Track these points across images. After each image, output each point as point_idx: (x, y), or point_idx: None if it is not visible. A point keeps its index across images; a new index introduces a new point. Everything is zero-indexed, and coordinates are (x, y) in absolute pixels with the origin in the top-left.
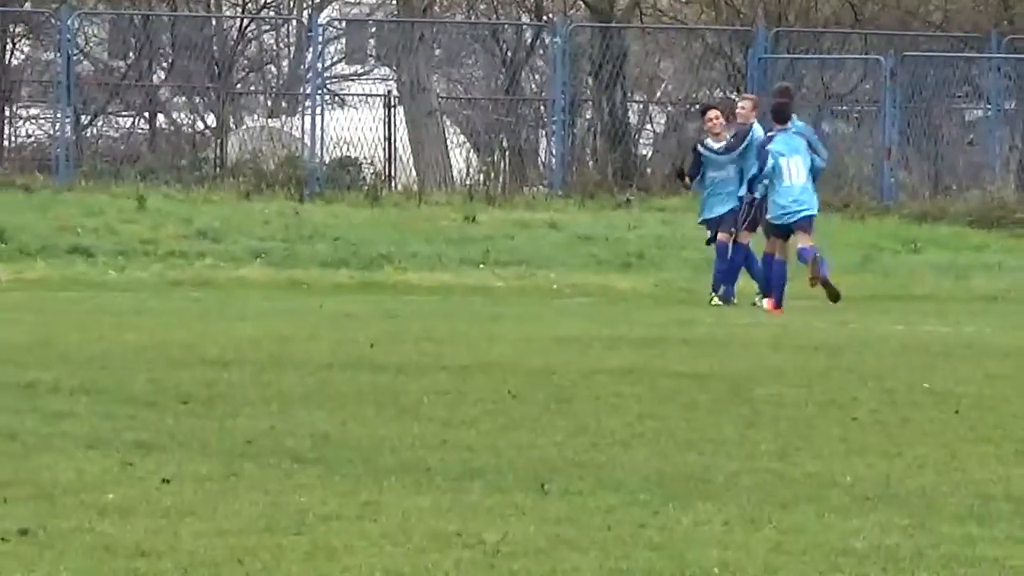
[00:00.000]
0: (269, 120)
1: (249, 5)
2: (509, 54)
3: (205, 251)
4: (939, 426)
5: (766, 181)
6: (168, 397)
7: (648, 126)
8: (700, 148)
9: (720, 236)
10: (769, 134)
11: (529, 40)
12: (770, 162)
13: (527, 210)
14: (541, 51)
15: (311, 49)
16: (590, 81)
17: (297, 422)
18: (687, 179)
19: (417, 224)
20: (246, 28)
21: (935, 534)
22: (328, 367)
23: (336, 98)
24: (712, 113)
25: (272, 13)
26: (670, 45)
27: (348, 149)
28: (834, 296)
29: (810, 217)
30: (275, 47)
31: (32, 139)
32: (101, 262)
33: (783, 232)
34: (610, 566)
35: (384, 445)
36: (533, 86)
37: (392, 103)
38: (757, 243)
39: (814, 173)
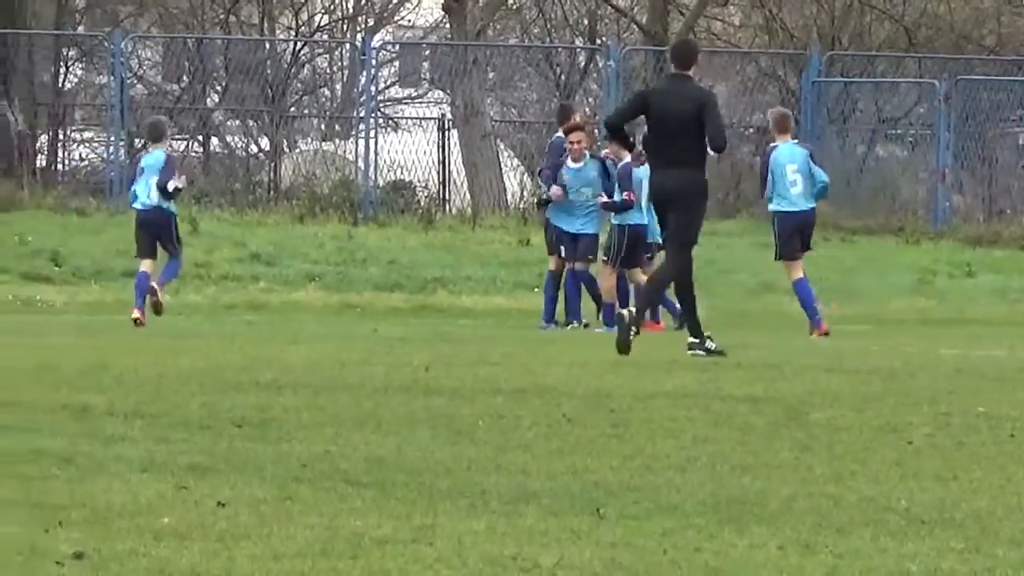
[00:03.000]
0: (323, 143)
1: (303, 28)
2: (563, 77)
3: (259, 274)
4: (994, 450)
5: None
6: (223, 421)
7: None
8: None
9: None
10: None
11: (583, 63)
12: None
13: None
14: (594, 74)
15: (364, 72)
16: None
17: (352, 446)
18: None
19: (471, 247)
20: (300, 51)
21: (990, 558)
22: (383, 391)
23: (390, 121)
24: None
25: (326, 36)
26: (724, 69)
27: (402, 172)
28: None
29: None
30: (329, 70)
31: (86, 163)
32: None
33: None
34: None
35: (439, 468)
36: (587, 109)
37: (446, 126)
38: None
39: None
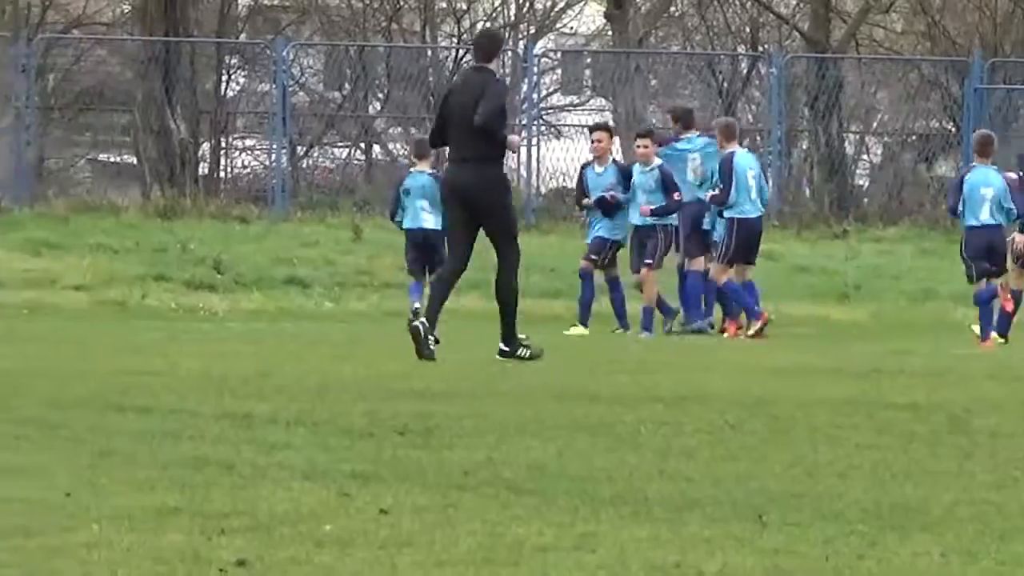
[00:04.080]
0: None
1: (464, 36)
2: (725, 84)
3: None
4: None
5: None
6: (385, 428)
7: (864, 157)
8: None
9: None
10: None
11: (745, 70)
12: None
13: None
14: (757, 81)
15: (527, 80)
16: (806, 112)
17: (514, 453)
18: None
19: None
20: (462, 59)
21: None
22: (544, 397)
23: (552, 129)
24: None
25: None
26: (886, 76)
27: (564, 180)
28: None
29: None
30: None
31: (248, 170)
32: (317, 293)
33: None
34: None
35: (601, 475)
36: (749, 116)
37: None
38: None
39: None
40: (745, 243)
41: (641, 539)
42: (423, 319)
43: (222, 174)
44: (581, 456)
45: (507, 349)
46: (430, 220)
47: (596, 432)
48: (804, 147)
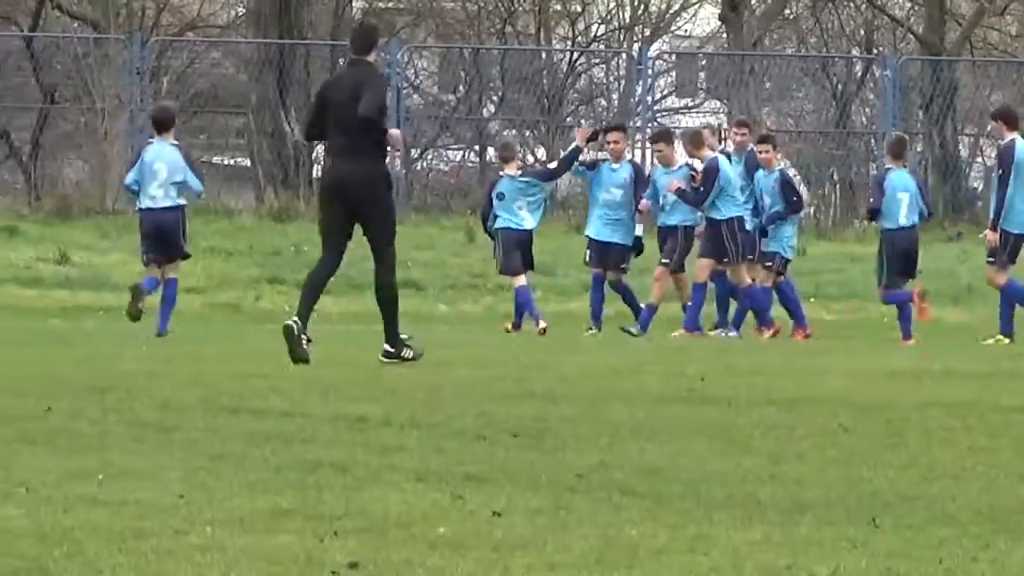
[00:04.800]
0: (599, 154)
1: (579, 38)
2: (839, 87)
3: (535, 284)
4: None
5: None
6: (498, 431)
7: (978, 159)
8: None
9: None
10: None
11: (859, 73)
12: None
13: (857, 243)
14: (871, 84)
15: (641, 82)
16: (920, 114)
17: (627, 455)
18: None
19: None
20: (576, 61)
21: None
22: (658, 400)
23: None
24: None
25: (602, 46)
26: (1001, 78)
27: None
28: None
29: None
30: (605, 80)
31: None
32: (431, 295)
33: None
34: None
35: (714, 478)
36: (863, 119)
37: (723, 137)
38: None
39: None
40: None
41: (753, 542)
42: (295, 319)
43: None
44: (694, 459)
45: (391, 350)
46: (528, 221)
47: (710, 435)
48: (919, 150)
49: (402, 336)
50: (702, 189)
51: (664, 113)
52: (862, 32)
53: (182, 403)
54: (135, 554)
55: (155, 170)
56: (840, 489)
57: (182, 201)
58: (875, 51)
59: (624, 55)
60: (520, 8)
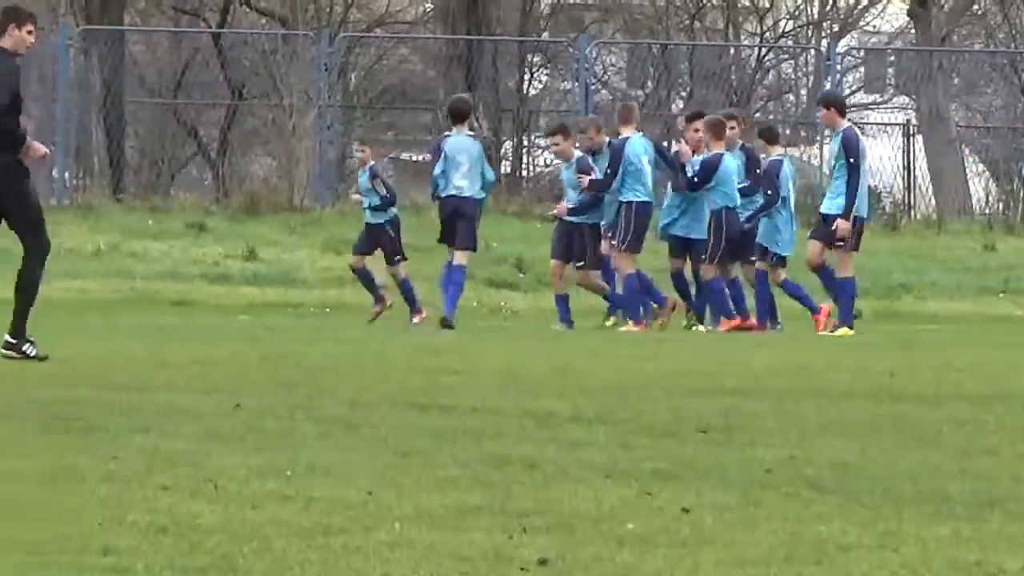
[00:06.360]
0: (788, 149)
1: (767, 34)
2: None
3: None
4: None
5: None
6: (687, 426)
7: None
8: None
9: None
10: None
11: None
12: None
13: None
14: None
15: (829, 78)
16: None
17: (816, 451)
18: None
19: (936, 253)
20: (764, 57)
21: None
22: (847, 396)
23: (855, 127)
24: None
25: (791, 42)
26: None
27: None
28: None
29: None
30: (793, 76)
31: (550, 169)
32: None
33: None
34: None
35: (903, 474)
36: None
37: (911, 132)
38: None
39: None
40: (642, 227)
41: (942, 537)
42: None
43: (524, 172)
44: (884, 455)
45: (13, 342)
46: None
47: (899, 431)
48: None
49: (27, 334)
50: (696, 180)
51: (853, 109)
52: None
53: (369, 399)
54: (324, 550)
55: (458, 161)
56: None
57: (483, 194)
58: None
59: (812, 51)
60: (708, 4)
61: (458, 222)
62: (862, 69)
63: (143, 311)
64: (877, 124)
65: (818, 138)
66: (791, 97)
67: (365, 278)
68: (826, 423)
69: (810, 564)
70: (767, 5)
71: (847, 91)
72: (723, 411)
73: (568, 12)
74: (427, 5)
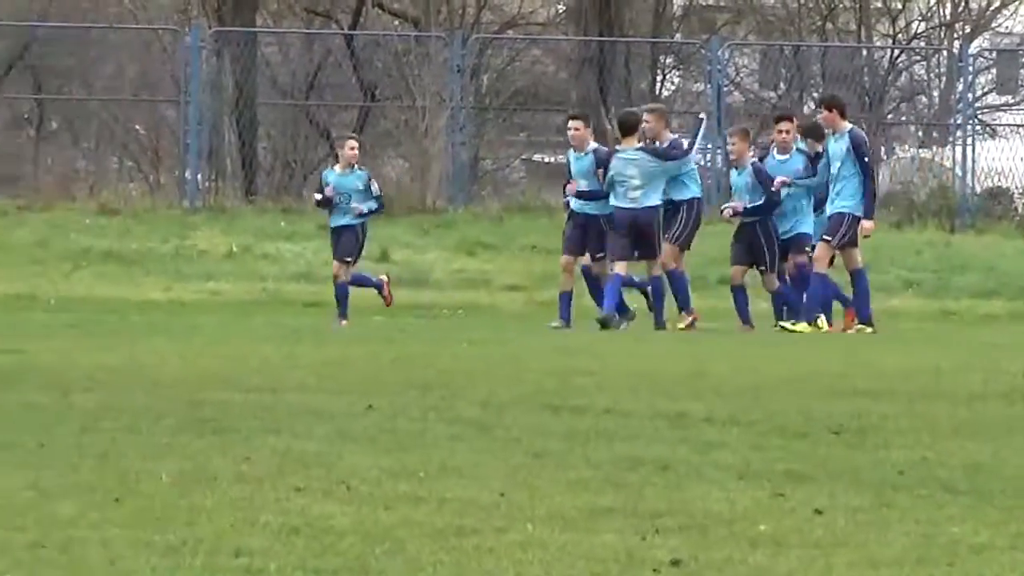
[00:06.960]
0: (920, 150)
1: (900, 35)
2: None
3: None
4: None
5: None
6: (819, 428)
7: None
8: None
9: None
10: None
11: None
12: None
13: None
14: None
15: (962, 79)
16: None
17: (949, 452)
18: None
19: None
20: (897, 59)
21: None
22: (980, 398)
23: (987, 129)
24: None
25: (923, 43)
26: None
27: (999, 180)
28: None
29: None
30: (926, 77)
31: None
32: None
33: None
34: None
35: None
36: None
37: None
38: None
39: None
40: (698, 225)
41: None
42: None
43: None
44: (1017, 456)
45: None
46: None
47: None
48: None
49: None
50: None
51: (984, 111)
52: None
53: (502, 401)
54: (456, 551)
55: (627, 176)
56: None
57: (658, 202)
58: None
59: (945, 52)
60: (840, 5)
61: (637, 232)
62: (994, 70)
63: (276, 312)
64: (1010, 125)
65: (950, 139)
66: (923, 99)
67: (356, 283)
68: (958, 424)
69: (942, 566)
70: (899, 6)
71: (979, 92)
72: (855, 413)
73: (700, 13)
74: (559, 6)
